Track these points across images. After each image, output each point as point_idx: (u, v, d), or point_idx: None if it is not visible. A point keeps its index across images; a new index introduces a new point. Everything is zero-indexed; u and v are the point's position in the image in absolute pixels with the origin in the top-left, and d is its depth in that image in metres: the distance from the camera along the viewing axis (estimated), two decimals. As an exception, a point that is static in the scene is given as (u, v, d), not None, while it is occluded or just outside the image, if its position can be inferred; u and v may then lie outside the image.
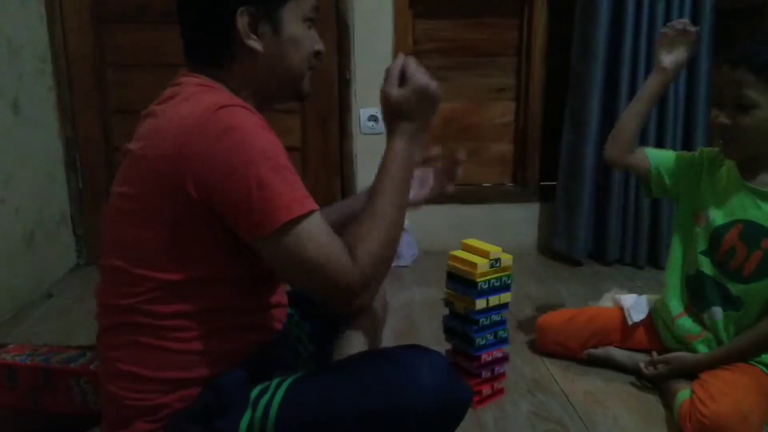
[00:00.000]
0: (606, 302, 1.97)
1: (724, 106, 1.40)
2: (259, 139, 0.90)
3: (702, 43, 2.39)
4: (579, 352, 1.71)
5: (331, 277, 0.91)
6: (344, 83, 2.56)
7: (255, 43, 0.99)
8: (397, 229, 1.01)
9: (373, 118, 2.59)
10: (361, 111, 2.57)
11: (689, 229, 1.56)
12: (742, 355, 1.45)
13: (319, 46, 1.07)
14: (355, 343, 1.27)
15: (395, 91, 1.04)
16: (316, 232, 0.91)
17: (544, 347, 1.78)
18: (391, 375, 0.94)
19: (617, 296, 1.78)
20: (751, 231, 1.45)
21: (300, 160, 2.62)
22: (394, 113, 1.04)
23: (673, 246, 1.60)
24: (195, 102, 0.93)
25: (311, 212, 0.91)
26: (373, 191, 1.01)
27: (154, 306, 0.95)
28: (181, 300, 0.95)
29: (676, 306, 1.58)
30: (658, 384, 1.58)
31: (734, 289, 1.48)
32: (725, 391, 1.34)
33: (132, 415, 0.99)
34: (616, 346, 1.68)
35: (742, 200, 1.46)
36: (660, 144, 2.44)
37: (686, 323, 1.55)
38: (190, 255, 0.94)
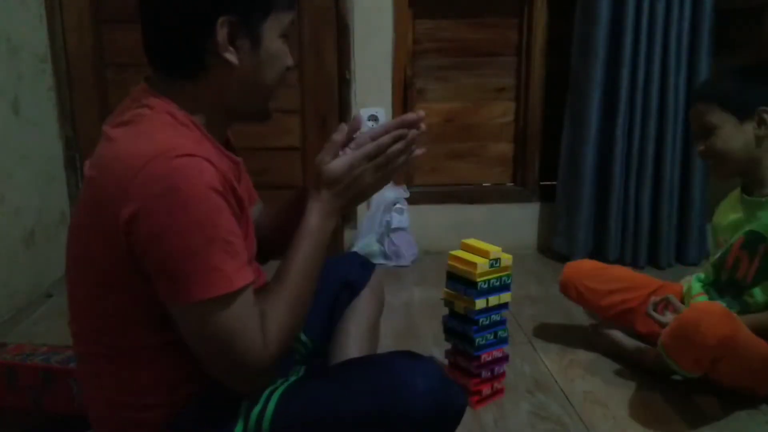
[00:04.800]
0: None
1: (697, 137, 1.59)
2: (201, 205, 0.83)
3: (702, 43, 2.39)
4: (597, 306, 1.78)
5: (239, 358, 0.87)
6: (344, 83, 2.56)
7: (232, 56, 0.93)
8: (306, 306, 0.97)
9: (373, 118, 2.59)
10: (361, 111, 2.56)
11: (715, 250, 1.67)
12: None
13: (290, 61, 1.02)
14: (356, 321, 1.31)
15: (330, 163, 0.99)
16: (235, 312, 0.85)
17: (565, 289, 1.84)
18: (383, 380, 0.93)
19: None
20: (751, 240, 1.52)
21: (300, 160, 2.62)
22: (320, 182, 0.99)
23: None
24: (154, 141, 0.87)
25: (237, 291, 0.85)
26: (284, 267, 0.96)
27: (134, 331, 0.94)
28: (161, 323, 0.92)
29: (696, 287, 1.66)
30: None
31: (743, 295, 1.55)
32: (685, 316, 1.42)
33: (119, 428, 0.99)
34: (632, 320, 1.72)
35: (745, 214, 1.56)
36: (660, 143, 2.45)
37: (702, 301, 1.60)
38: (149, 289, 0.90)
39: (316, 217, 0.98)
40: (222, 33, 0.91)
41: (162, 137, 0.88)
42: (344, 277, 1.33)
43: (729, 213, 1.62)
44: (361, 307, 1.33)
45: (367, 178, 0.99)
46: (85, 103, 2.47)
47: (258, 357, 0.88)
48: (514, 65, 2.71)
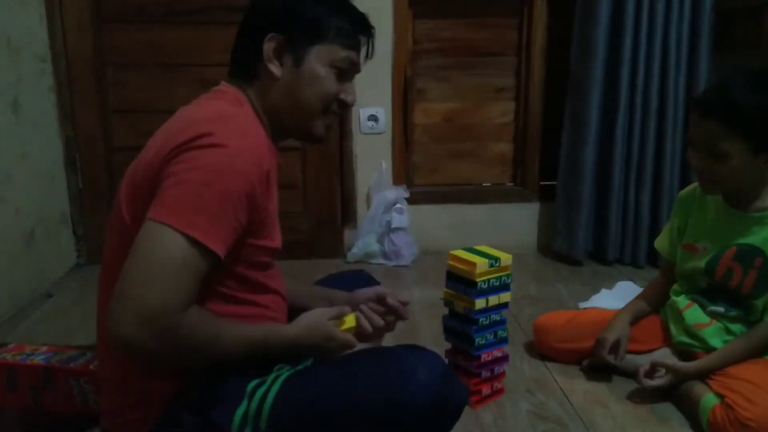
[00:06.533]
0: (596, 303, 2.02)
1: (698, 149, 1.43)
2: (224, 156, 0.91)
3: (702, 43, 2.39)
4: (581, 357, 1.69)
5: (139, 291, 0.85)
6: (344, 83, 2.56)
7: (275, 68, 1.06)
8: (214, 359, 0.96)
9: (373, 117, 2.59)
10: (361, 111, 2.57)
11: (686, 255, 1.60)
12: (736, 362, 1.47)
13: (346, 96, 1.11)
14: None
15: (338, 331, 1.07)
16: (177, 256, 0.87)
17: (542, 350, 1.76)
18: (386, 370, 0.95)
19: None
20: (744, 253, 1.48)
21: (300, 160, 2.62)
22: (309, 333, 1.04)
23: (677, 258, 1.63)
24: (218, 107, 1.02)
25: (194, 240, 0.87)
26: (245, 328, 0.99)
27: None
28: None
29: (682, 300, 1.60)
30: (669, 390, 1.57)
31: (737, 302, 1.51)
32: (759, 392, 1.35)
33: (128, 402, 1.01)
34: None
35: (733, 227, 1.50)
36: (660, 143, 2.45)
37: (695, 312, 1.57)
38: None
39: (285, 341, 1.02)
40: (269, 46, 1.05)
41: (227, 108, 1.02)
42: (351, 289, 1.36)
43: (707, 220, 1.55)
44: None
45: (336, 349, 1.06)
46: (85, 103, 2.47)
47: (152, 309, 0.85)
48: (514, 65, 2.71)
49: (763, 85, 1.38)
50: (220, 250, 0.91)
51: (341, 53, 1.07)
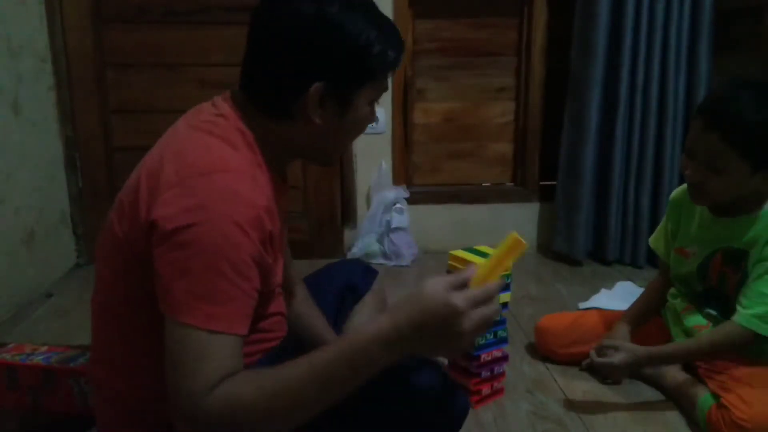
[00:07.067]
0: (595, 303, 2.01)
1: (694, 160, 1.39)
2: (218, 231, 0.83)
3: (702, 43, 2.39)
4: (581, 359, 1.67)
5: (175, 386, 0.81)
6: (344, 83, 2.56)
7: (317, 117, 0.95)
8: (293, 415, 0.81)
9: (373, 118, 2.59)
10: (361, 111, 2.56)
11: (679, 260, 1.59)
12: (694, 357, 1.47)
13: (374, 120, 1.04)
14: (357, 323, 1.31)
15: (441, 293, 0.79)
16: (194, 346, 0.81)
17: (543, 353, 1.76)
18: (389, 381, 0.93)
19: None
20: (731, 256, 1.47)
21: (300, 160, 2.62)
22: (414, 310, 0.80)
23: (671, 262, 1.62)
24: (210, 156, 0.89)
25: (207, 330, 0.81)
26: (303, 362, 0.81)
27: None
28: None
29: (680, 303, 1.61)
30: (652, 380, 1.59)
31: (728, 303, 1.49)
32: (756, 394, 1.35)
33: (128, 417, 1.00)
34: None
35: (718, 232, 1.48)
36: (660, 143, 2.45)
37: (693, 315, 1.56)
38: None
39: (377, 338, 0.79)
40: (314, 96, 0.93)
41: (219, 155, 0.89)
42: (349, 280, 1.38)
43: (694, 224, 1.54)
44: (364, 310, 1.37)
45: (467, 328, 0.78)
46: (85, 103, 2.47)
47: (189, 401, 0.80)
48: (514, 65, 2.71)
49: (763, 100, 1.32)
50: (245, 329, 0.85)
51: (384, 84, 0.99)
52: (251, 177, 0.90)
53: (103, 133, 2.51)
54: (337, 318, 1.35)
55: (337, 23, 0.91)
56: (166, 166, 0.89)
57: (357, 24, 0.92)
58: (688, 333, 1.57)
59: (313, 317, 1.25)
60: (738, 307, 1.41)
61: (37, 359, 1.38)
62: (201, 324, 0.81)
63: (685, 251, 1.56)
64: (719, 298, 1.51)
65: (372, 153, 2.63)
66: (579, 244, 2.55)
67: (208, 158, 0.88)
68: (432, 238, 2.66)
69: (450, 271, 1.51)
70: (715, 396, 1.41)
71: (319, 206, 2.67)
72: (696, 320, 1.55)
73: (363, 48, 0.92)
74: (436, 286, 0.79)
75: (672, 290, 1.64)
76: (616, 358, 1.45)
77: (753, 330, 1.38)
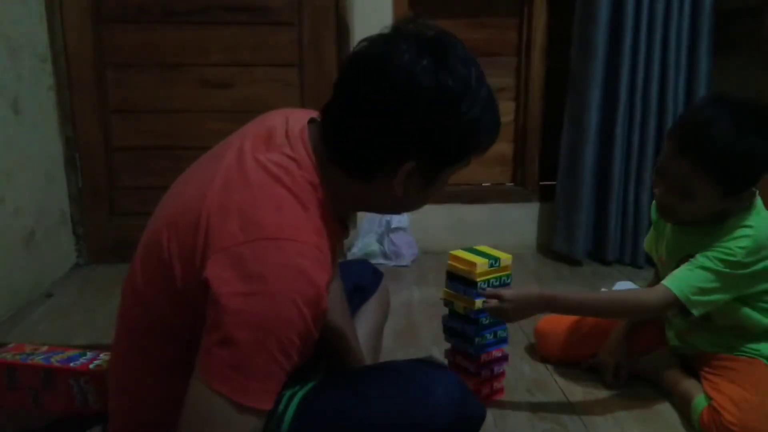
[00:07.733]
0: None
1: (664, 180, 1.38)
2: (273, 306, 0.80)
3: (702, 43, 2.39)
4: (584, 360, 1.68)
5: None
6: (344, 83, 2.56)
7: (400, 187, 0.93)
8: None
9: (373, 117, 2.59)
10: (361, 111, 2.56)
11: (660, 265, 1.60)
12: (598, 312, 1.49)
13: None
14: (363, 324, 1.32)
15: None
16: (219, 417, 0.80)
17: (543, 355, 1.75)
18: (405, 391, 0.93)
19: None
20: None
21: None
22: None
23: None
24: (278, 217, 0.85)
25: (238, 404, 0.80)
26: None
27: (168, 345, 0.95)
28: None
29: None
30: (651, 379, 1.60)
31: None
32: (745, 396, 1.35)
33: (136, 426, 0.99)
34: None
35: (682, 240, 1.47)
36: (659, 143, 2.45)
37: (678, 320, 1.57)
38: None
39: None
40: (405, 170, 0.91)
41: (290, 220, 0.85)
42: (358, 281, 1.38)
43: (666, 232, 1.53)
44: (369, 311, 1.38)
45: None
46: (85, 103, 2.47)
47: None
48: (514, 65, 2.71)
49: (747, 129, 1.29)
50: (271, 404, 0.84)
51: (467, 161, 0.99)
52: (317, 248, 0.86)
53: (103, 133, 2.50)
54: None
55: (454, 105, 0.88)
56: (232, 214, 0.85)
57: (472, 109, 0.90)
58: (679, 337, 1.57)
59: (347, 328, 1.22)
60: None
61: (37, 359, 1.38)
62: (232, 396, 0.80)
63: (661, 258, 1.57)
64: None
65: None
66: (579, 244, 2.55)
67: (278, 220, 0.84)
68: (432, 238, 2.66)
69: (450, 271, 1.52)
70: (709, 398, 1.41)
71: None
72: (683, 324, 1.55)
73: (468, 136, 0.92)
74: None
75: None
76: (506, 293, 1.39)
77: (672, 291, 1.35)
